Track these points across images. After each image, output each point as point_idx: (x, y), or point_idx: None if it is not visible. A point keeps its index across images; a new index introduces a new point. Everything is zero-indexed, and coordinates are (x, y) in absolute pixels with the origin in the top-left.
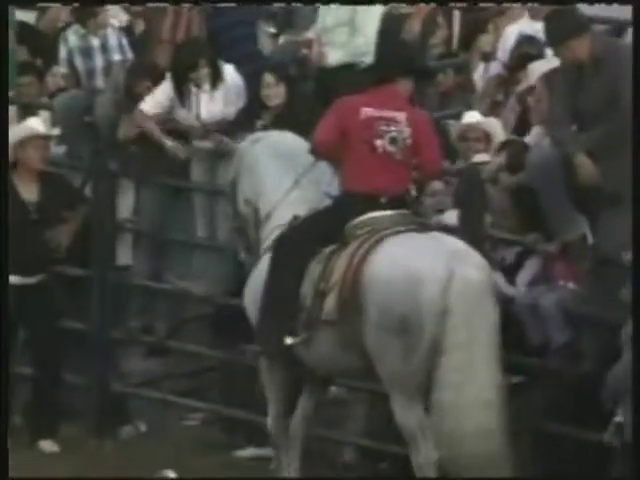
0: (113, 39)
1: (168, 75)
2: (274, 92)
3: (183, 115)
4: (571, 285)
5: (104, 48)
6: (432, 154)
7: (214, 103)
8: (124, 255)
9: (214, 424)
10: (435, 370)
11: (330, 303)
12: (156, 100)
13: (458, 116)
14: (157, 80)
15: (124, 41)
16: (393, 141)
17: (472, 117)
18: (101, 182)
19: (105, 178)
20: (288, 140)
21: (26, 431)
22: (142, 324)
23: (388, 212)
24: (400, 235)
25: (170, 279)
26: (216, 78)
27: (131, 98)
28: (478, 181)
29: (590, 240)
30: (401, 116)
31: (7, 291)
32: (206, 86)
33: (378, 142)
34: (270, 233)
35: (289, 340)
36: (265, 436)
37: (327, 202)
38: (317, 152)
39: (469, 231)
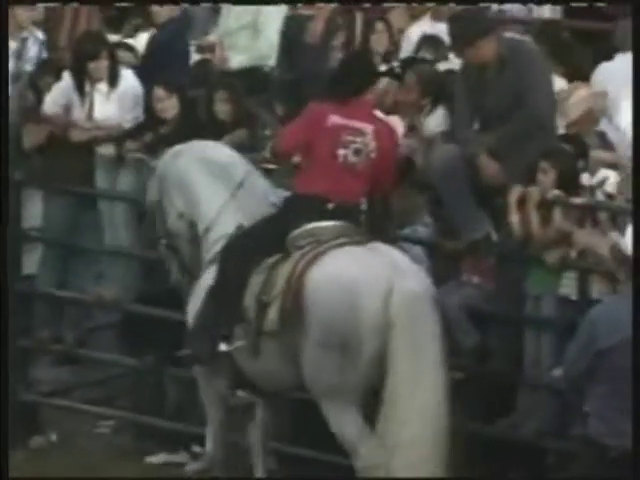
0: (34, 49)
1: (66, 73)
2: (167, 105)
3: (79, 115)
4: (477, 281)
5: (19, 54)
6: (390, 173)
7: (109, 105)
8: (32, 264)
9: (125, 431)
10: (381, 382)
11: (272, 314)
12: (53, 99)
13: None
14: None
15: (44, 54)
16: (357, 152)
17: None
18: (5, 191)
19: (9, 187)
20: (214, 151)
21: None
22: (50, 333)
23: (332, 222)
24: (341, 248)
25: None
26: (114, 75)
27: (37, 102)
28: None
29: (494, 237)
30: (369, 128)
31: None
32: (103, 86)
33: (341, 151)
34: (212, 246)
35: (224, 347)
36: (176, 442)
37: (270, 211)
38: (276, 153)
39: (377, 231)
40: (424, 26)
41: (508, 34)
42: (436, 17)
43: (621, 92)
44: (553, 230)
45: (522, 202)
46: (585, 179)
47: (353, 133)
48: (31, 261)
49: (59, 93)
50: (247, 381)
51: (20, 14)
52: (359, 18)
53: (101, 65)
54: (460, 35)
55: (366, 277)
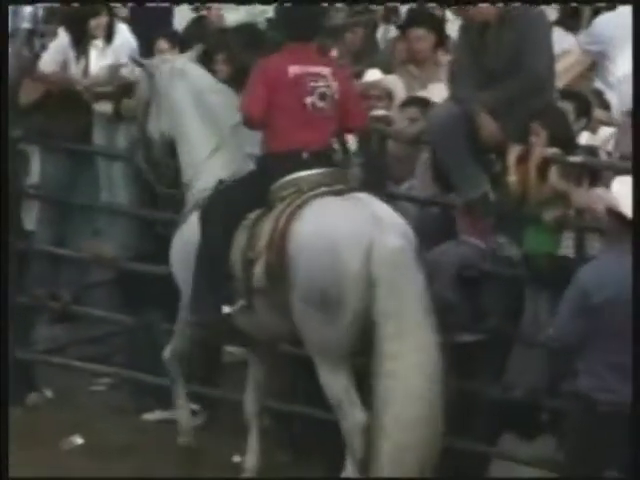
0: (28, 8)
1: (61, 30)
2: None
3: (75, 71)
4: (474, 241)
5: (14, 12)
6: (359, 107)
7: (105, 60)
8: (30, 221)
9: (121, 389)
10: (369, 341)
11: (258, 270)
12: (50, 56)
13: (360, 74)
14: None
15: (40, 12)
16: (322, 97)
17: (373, 75)
18: (1, 148)
19: (6, 144)
20: (210, 89)
21: None
22: (47, 291)
23: (312, 171)
24: (323, 199)
25: (76, 243)
26: (111, 30)
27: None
28: (378, 137)
29: (492, 197)
30: (326, 71)
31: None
32: (99, 41)
33: (308, 99)
34: (195, 192)
35: (227, 309)
36: (172, 399)
37: (251, 165)
38: (251, 124)
39: (371, 188)
40: None
41: None
42: None
43: (618, 44)
44: (550, 188)
45: (520, 161)
46: (586, 138)
47: (314, 78)
48: (30, 218)
49: (55, 50)
50: (239, 335)
51: None
52: None
53: (101, 22)
54: None
55: (346, 232)
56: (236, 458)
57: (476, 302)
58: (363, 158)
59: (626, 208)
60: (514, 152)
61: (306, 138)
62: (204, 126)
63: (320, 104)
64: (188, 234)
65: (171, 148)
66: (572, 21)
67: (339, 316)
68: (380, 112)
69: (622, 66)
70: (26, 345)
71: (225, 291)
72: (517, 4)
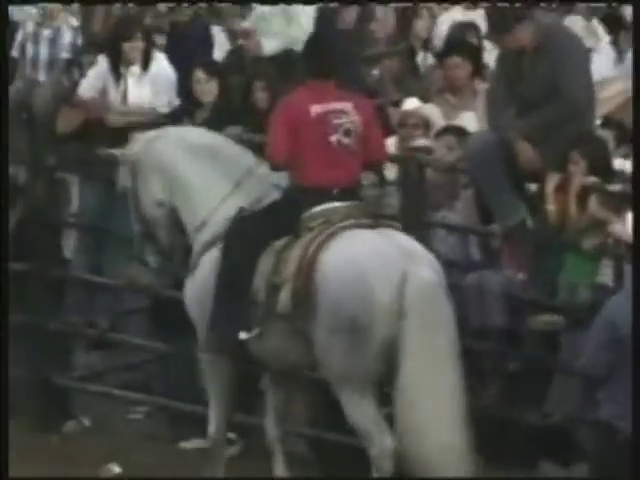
0: (67, 36)
1: (101, 57)
2: (206, 88)
3: (114, 98)
4: (513, 269)
5: (52, 42)
6: (380, 140)
7: (142, 88)
8: (68, 249)
9: (158, 416)
10: (395, 373)
11: (284, 296)
12: (89, 82)
13: (399, 103)
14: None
15: (79, 41)
16: (347, 133)
17: (411, 103)
18: (39, 177)
19: (43, 173)
20: (203, 136)
21: None
22: (83, 318)
23: (341, 203)
24: (352, 230)
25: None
26: (148, 57)
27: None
28: (417, 166)
29: (530, 225)
30: (348, 106)
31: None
32: (136, 68)
33: (333, 137)
34: (208, 233)
35: (243, 335)
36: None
37: (272, 192)
38: (276, 168)
39: (410, 216)
40: (455, 14)
41: (546, 18)
42: (468, 6)
43: None
44: (589, 217)
45: (558, 189)
46: (626, 165)
47: (337, 115)
48: (68, 246)
49: (95, 76)
50: (253, 360)
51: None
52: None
53: (136, 46)
54: (498, 20)
55: (378, 263)
56: None
57: (516, 331)
58: (402, 186)
59: None
60: (552, 181)
61: (334, 175)
62: (209, 171)
63: (345, 140)
64: (202, 275)
65: (175, 216)
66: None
67: (367, 344)
68: (420, 142)
69: None
70: (63, 372)
71: (243, 317)
72: (550, 21)
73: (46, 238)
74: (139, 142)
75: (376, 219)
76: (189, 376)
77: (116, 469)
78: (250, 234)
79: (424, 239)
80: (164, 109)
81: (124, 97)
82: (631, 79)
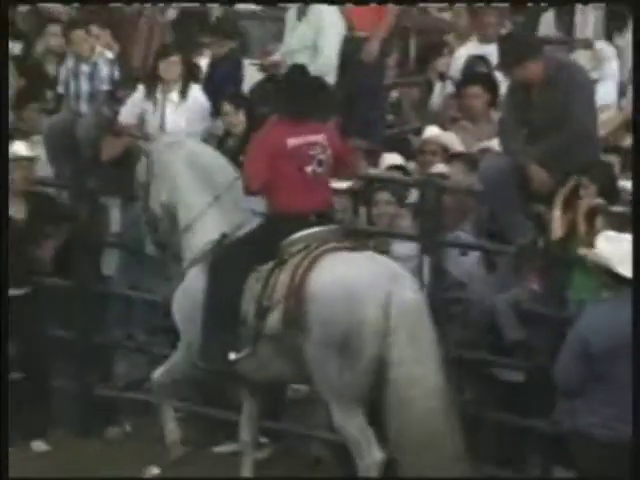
0: (104, 70)
1: (140, 85)
2: (234, 120)
3: (152, 124)
4: (525, 283)
5: (91, 76)
6: (351, 157)
7: (178, 116)
8: (108, 267)
9: (194, 422)
10: (383, 384)
11: (274, 318)
12: (128, 109)
13: (418, 131)
14: None
15: (116, 73)
16: (320, 163)
17: (431, 131)
18: (82, 200)
19: (85, 196)
20: (205, 153)
21: (18, 433)
22: (123, 331)
23: (319, 228)
24: (336, 253)
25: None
26: (186, 86)
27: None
28: (435, 191)
29: (540, 243)
30: (321, 138)
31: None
32: (174, 95)
33: (308, 168)
34: (194, 246)
35: (232, 355)
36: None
37: (251, 219)
38: (251, 193)
39: (428, 236)
40: (471, 48)
41: (555, 55)
42: (483, 40)
43: None
44: (596, 235)
45: (566, 210)
46: (628, 186)
47: (312, 147)
48: (108, 264)
49: (133, 103)
50: (240, 377)
51: (87, 39)
52: (413, 39)
53: (173, 66)
54: (509, 54)
55: (364, 283)
56: None
57: (527, 342)
58: (421, 209)
59: (614, 263)
60: (558, 205)
61: (310, 201)
62: (197, 183)
63: (319, 170)
64: (191, 288)
65: (174, 218)
66: None
67: (359, 360)
68: (439, 169)
69: None
70: (105, 381)
71: (232, 338)
72: (559, 57)
73: (88, 257)
74: (159, 144)
75: (353, 242)
76: (220, 385)
77: (155, 470)
78: (234, 261)
79: (439, 257)
80: (198, 136)
81: (162, 123)
82: (632, 80)
